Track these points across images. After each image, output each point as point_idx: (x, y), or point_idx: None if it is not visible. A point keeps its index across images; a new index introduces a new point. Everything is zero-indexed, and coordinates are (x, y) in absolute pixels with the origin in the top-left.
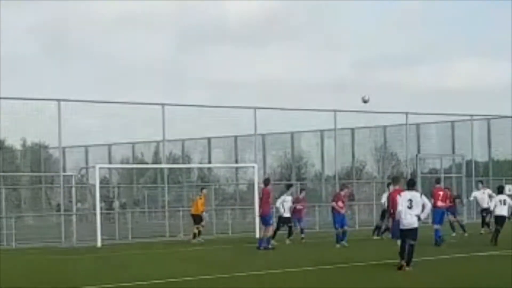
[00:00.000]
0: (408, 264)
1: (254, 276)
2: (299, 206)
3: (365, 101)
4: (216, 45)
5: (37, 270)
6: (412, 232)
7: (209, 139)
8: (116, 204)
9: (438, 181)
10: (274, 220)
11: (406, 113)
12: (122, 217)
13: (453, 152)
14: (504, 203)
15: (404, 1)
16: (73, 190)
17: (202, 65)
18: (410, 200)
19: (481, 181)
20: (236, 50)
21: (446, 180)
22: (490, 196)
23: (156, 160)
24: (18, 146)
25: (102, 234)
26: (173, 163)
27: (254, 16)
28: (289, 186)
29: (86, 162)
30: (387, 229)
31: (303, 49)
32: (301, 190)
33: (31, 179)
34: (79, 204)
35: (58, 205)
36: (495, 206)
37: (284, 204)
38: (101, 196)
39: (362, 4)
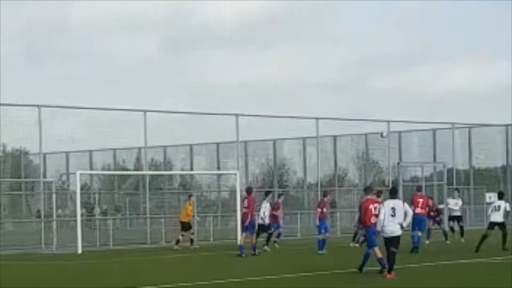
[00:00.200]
0: (390, 271)
1: (233, 283)
2: (276, 213)
3: (382, 136)
4: (199, 51)
5: (17, 277)
6: (395, 240)
7: (191, 145)
8: (97, 210)
9: (419, 189)
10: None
11: (388, 121)
12: (103, 223)
13: (435, 160)
14: (499, 209)
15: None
16: (54, 196)
17: (184, 71)
18: (393, 208)
19: (457, 189)
20: (219, 56)
21: (427, 188)
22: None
23: (137, 167)
24: None
25: (82, 241)
26: (155, 169)
27: (236, 22)
28: (267, 193)
29: (67, 168)
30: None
31: (288, 53)
32: (279, 195)
33: (11, 185)
34: (59, 211)
35: (39, 211)
36: (491, 212)
37: (265, 212)
38: (82, 202)
39: (347, 10)
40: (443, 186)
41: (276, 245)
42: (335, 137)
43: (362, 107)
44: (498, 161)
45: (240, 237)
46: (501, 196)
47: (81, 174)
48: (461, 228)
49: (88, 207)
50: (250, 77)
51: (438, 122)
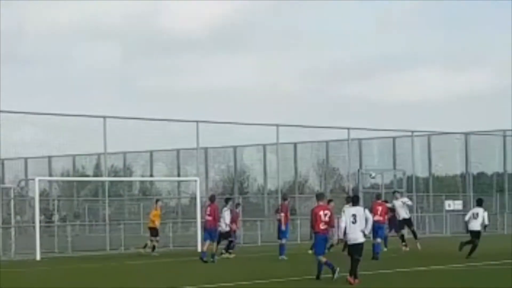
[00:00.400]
0: (356, 277)
1: None
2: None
3: (372, 177)
4: (159, 57)
5: None
6: (358, 247)
7: (151, 152)
8: (56, 217)
9: (378, 196)
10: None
11: (348, 129)
12: (62, 230)
13: (394, 167)
14: (477, 217)
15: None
16: (12, 202)
17: (144, 77)
18: (354, 215)
19: (398, 191)
20: (179, 62)
21: (387, 196)
22: (405, 204)
23: (97, 173)
24: None
25: (41, 248)
26: (115, 176)
27: (198, 29)
28: (227, 200)
29: (26, 175)
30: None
31: (249, 61)
32: (237, 205)
33: None
34: (18, 217)
35: None
36: (469, 219)
37: (226, 219)
38: (40, 209)
39: (304, 16)
40: (402, 194)
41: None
42: (295, 144)
43: (322, 115)
44: (457, 169)
45: (201, 243)
46: (480, 203)
47: (39, 180)
48: (414, 233)
49: (47, 214)
50: (211, 84)
51: (398, 129)
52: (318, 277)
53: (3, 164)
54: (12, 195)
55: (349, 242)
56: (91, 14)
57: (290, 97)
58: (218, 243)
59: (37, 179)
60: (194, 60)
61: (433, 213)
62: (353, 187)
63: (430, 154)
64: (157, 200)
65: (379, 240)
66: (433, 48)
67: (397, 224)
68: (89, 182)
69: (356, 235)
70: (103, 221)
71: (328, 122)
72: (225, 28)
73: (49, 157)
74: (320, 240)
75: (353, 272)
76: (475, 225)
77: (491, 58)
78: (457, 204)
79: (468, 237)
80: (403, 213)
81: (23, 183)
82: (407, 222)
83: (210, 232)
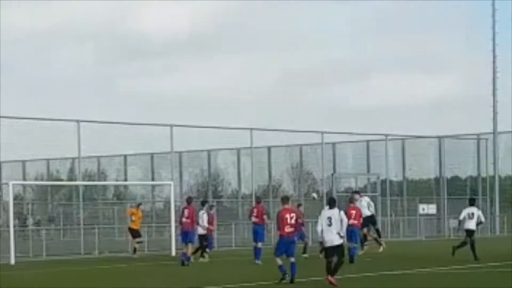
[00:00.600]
0: (332, 275)
1: None
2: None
3: (314, 198)
4: (134, 61)
5: None
6: (337, 249)
7: (125, 156)
8: (30, 221)
9: (352, 200)
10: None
11: (322, 132)
12: (36, 234)
13: (368, 171)
14: (472, 217)
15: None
16: None
17: (119, 81)
18: (329, 218)
19: (357, 192)
20: (153, 67)
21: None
22: (368, 205)
23: (71, 177)
24: None
25: (16, 252)
26: (89, 180)
27: (172, 33)
28: (204, 203)
29: (0, 179)
30: (305, 246)
31: (223, 65)
32: (211, 206)
33: None
34: None
35: None
36: (464, 219)
37: (204, 220)
38: (14, 213)
39: (275, 21)
40: (376, 197)
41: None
42: (269, 148)
43: (296, 119)
44: (431, 173)
45: (174, 247)
46: (472, 203)
47: (13, 184)
48: (377, 231)
49: (21, 218)
50: (185, 88)
51: (371, 133)
52: (291, 281)
53: None
54: None
55: (325, 245)
56: (65, 18)
57: (264, 101)
58: (201, 246)
59: (11, 183)
60: (168, 64)
61: (407, 217)
62: (327, 191)
63: (404, 158)
64: (139, 204)
65: (354, 244)
66: (407, 53)
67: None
68: (63, 186)
69: (332, 237)
70: (77, 225)
71: (302, 126)
72: (199, 32)
73: (23, 161)
74: (283, 242)
75: (334, 272)
76: (471, 225)
77: (464, 62)
78: (431, 208)
79: (458, 239)
80: (366, 211)
81: None
82: (371, 219)
83: (188, 234)
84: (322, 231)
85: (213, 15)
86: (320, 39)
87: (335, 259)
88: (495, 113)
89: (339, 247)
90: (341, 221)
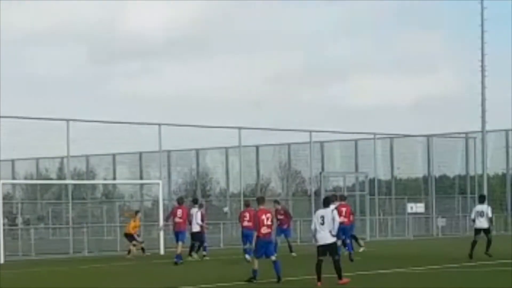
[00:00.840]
0: (340, 278)
1: None
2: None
3: (226, 212)
4: (129, 60)
5: None
6: (330, 248)
7: (113, 155)
8: (19, 220)
9: (342, 198)
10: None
11: (310, 131)
12: (25, 233)
13: (357, 170)
14: (483, 215)
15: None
16: None
17: (107, 81)
18: (322, 217)
19: (339, 195)
20: (143, 67)
21: (350, 198)
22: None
23: (60, 176)
24: None
25: (5, 250)
26: (78, 179)
27: (163, 34)
28: (196, 201)
29: None
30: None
31: (212, 65)
32: (200, 205)
33: None
34: None
35: None
36: (474, 218)
37: (198, 218)
38: (4, 212)
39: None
40: (365, 196)
41: (196, 256)
42: (257, 147)
43: (284, 118)
44: (419, 172)
45: (162, 246)
46: (482, 200)
47: (3, 183)
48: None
49: (10, 217)
50: (174, 87)
51: (360, 132)
52: (278, 279)
53: None
54: None
55: (318, 243)
56: (56, 18)
57: (253, 100)
58: (195, 245)
59: (0, 182)
60: (157, 64)
61: (396, 216)
62: (316, 189)
63: (392, 157)
64: (137, 212)
65: (347, 240)
66: (396, 52)
67: None
68: (53, 185)
69: (325, 236)
70: (66, 224)
71: (290, 125)
72: (189, 32)
73: (13, 160)
74: (261, 244)
75: (339, 274)
76: (484, 223)
77: (452, 61)
78: (419, 207)
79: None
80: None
81: None
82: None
83: (179, 233)
84: (315, 230)
85: (202, 16)
86: (308, 40)
87: (334, 257)
88: (483, 111)
89: (331, 245)
90: (333, 220)
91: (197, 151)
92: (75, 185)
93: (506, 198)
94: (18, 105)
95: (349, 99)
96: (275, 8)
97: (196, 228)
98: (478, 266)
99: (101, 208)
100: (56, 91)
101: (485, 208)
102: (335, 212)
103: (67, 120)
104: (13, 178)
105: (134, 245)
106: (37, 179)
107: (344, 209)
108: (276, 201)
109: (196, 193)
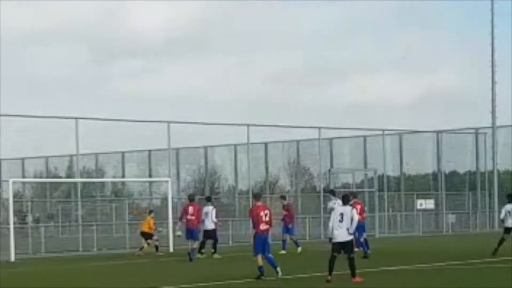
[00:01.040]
0: (354, 276)
1: None
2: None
3: (179, 236)
4: (131, 59)
5: None
6: (346, 245)
7: (123, 153)
8: (29, 218)
9: (355, 195)
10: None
11: (319, 128)
12: (35, 231)
13: (365, 166)
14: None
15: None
16: None
17: (117, 80)
18: (342, 214)
19: (332, 191)
20: (151, 66)
21: (359, 195)
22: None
23: (69, 174)
24: None
25: (15, 249)
26: (87, 177)
27: (168, 32)
28: (209, 198)
29: None
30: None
31: (219, 64)
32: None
33: None
34: None
35: None
36: (505, 217)
37: (213, 215)
38: (14, 210)
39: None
40: (374, 193)
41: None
42: (266, 144)
43: (293, 115)
44: (428, 168)
45: (172, 243)
46: (511, 199)
47: (13, 182)
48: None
49: (20, 215)
50: (182, 85)
51: (369, 128)
52: (277, 273)
53: None
54: None
55: (334, 240)
56: (56, 18)
57: (261, 98)
58: (205, 243)
59: (11, 180)
60: (157, 64)
61: (405, 212)
62: (324, 186)
63: (402, 153)
64: (150, 211)
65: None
66: (405, 48)
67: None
68: (62, 183)
69: (342, 233)
70: (75, 222)
71: (299, 122)
72: (189, 32)
73: (22, 159)
74: (260, 240)
75: (353, 272)
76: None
77: (462, 56)
78: (429, 203)
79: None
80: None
81: None
82: None
83: (193, 231)
84: (332, 227)
85: (209, 14)
86: (317, 38)
87: (349, 256)
88: (493, 107)
89: (347, 243)
90: (352, 218)
91: (206, 148)
92: (84, 183)
93: None
94: (19, 106)
95: (349, 99)
96: (275, 8)
97: (211, 226)
98: (484, 263)
99: (110, 206)
100: (56, 91)
101: None
102: (354, 210)
103: (76, 119)
104: (23, 177)
105: (148, 243)
106: (46, 177)
107: (359, 206)
108: (282, 197)
109: (204, 190)
